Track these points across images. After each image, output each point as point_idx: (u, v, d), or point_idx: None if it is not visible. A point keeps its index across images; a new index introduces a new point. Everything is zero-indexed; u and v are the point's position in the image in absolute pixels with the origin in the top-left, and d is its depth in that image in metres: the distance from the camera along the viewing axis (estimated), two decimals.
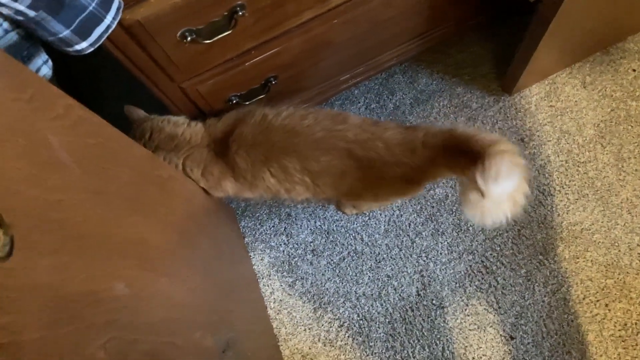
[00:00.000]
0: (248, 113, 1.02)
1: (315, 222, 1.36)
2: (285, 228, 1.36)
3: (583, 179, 1.30)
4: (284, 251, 1.35)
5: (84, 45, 0.57)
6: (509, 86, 1.35)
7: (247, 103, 1.13)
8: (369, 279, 1.31)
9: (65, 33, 0.54)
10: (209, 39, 0.86)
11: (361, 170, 0.93)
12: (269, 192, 1.03)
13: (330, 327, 1.29)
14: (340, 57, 1.17)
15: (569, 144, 1.33)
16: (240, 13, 0.84)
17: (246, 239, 1.37)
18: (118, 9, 0.58)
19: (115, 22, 0.59)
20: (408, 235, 1.32)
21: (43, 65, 0.58)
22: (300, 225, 1.36)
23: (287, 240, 1.36)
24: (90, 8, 0.54)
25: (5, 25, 0.52)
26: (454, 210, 1.31)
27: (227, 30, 0.86)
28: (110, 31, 0.59)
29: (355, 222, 1.34)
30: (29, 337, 0.39)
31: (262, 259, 1.35)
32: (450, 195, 1.32)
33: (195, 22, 0.82)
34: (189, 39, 0.84)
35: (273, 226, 1.37)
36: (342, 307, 1.30)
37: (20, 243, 0.40)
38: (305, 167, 0.95)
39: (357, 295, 1.30)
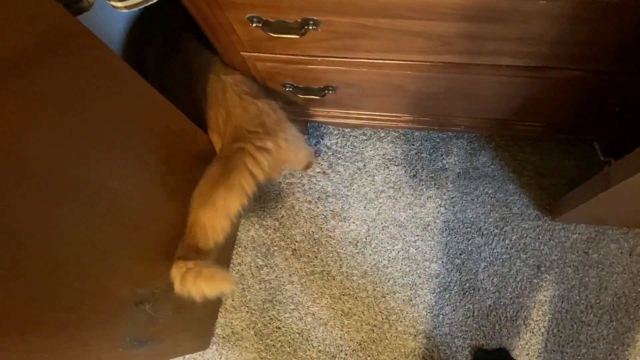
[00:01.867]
0: None
1: (310, 227, 1.36)
2: (282, 216, 1.38)
3: (572, 337, 1.23)
4: (270, 235, 1.37)
5: (119, 4, 0.58)
6: (556, 211, 1.27)
7: (301, 96, 1.13)
8: (326, 303, 1.31)
9: None
10: (275, 33, 0.85)
11: None
12: None
13: (270, 323, 1.32)
14: (406, 101, 1.13)
15: (580, 298, 1.25)
16: (313, 27, 0.83)
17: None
18: None
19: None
20: (385, 280, 1.30)
21: (83, 0, 0.60)
22: (297, 222, 1.37)
23: (278, 228, 1.37)
24: None
25: None
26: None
27: (295, 34, 0.85)
28: (149, 3, 0.60)
29: (344, 247, 1.34)
30: None
31: (248, 230, 1.38)
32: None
33: (267, 14, 0.82)
34: (254, 25, 0.84)
35: (274, 208, 1.39)
36: (289, 313, 1.32)
37: None
38: None
39: (307, 311, 1.31)
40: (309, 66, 0.99)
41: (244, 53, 0.99)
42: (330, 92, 1.09)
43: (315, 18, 0.81)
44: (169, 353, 1.04)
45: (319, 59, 0.96)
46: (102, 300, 0.78)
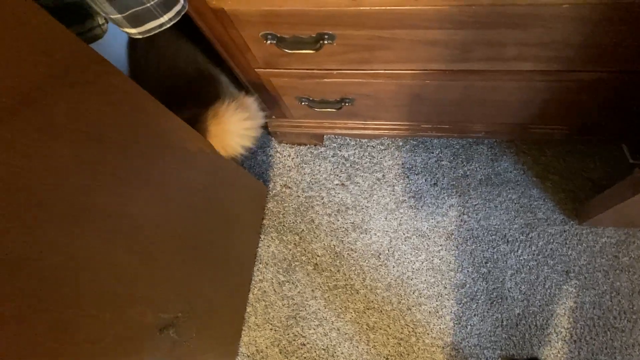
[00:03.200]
0: None
1: (331, 241, 1.34)
2: (303, 230, 1.36)
3: (606, 344, 1.19)
4: (290, 251, 1.35)
5: (133, 31, 0.58)
6: (583, 215, 1.24)
7: (317, 109, 1.12)
8: (350, 318, 1.29)
9: (117, 16, 0.55)
10: (290, 50, 0.84)
11: None
12: None
13: (294, 340, 1.30)
14: (425, 109, 1.11)
15: (613, 304, 1.22)
16: (328, 42, 0.81)
17: (265, 220, 1.38)
18: (178, 12, 0.58)
19: (171, 23, 0.59)
20: (410, 296, 1.28)
21: (97, 28, 0.59)
22: (317, 236, 1.35)
23: (299, 242, 1.36)
24: (148, 5, 0.54)
25: None
26: None
27: (311, 49, 0.84)
28: (163, 28, 0.59)
29: (367, 260, 1.31)
30: None
31: (268, 246, 1.37)
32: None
33: (281, 31, 0.81)
34: (269, 42, 0.82)
35: (294, 222, 1.37)
36: (314, 329, 1.30)
37: None
38: None
39: (332, 326, 1.29)
40: (325, 80, 0.98)
41: (259, 70, 0.97)
42: (347, 104, 1.07)
43: (331, 32, 0.80)
44: None
45: (335, 72, 0.95)
46: (126, 328, 0.76)
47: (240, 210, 1.22)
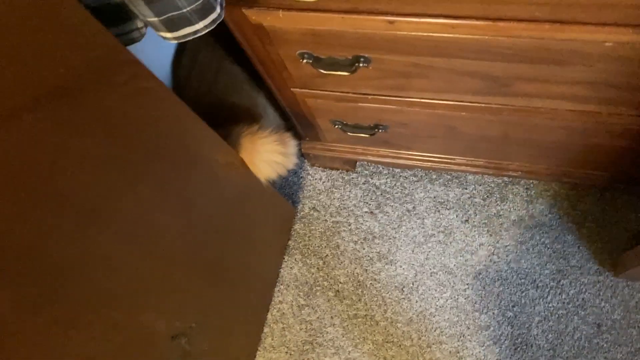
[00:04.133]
0: None
1: (355, 269, 1.32)
2: (327, 255, 1.35)
3: None
4: (313, 275, 1.34)
5: (168, 35, 0.59)
6: (619, 267, 1.18)
7: (351, 133, 1.12)
8: (368, 349, 1.26)
9: (154, 19, 0.56)
10: (325, 70, 0.84)
11: None
12: None
13: None
14: (460, 144, 1.10)
15: None
16: (363, 65, 0.81)
17: (290, 242, 1.38)
18: (214, 20, 0.59)
19: (206, 30, 0.60)
20: (430, 331, 1.24)
21: (135, 31, 0.61)
22: (342, 263, 1.34)
23: (322, 267, 1.34)
24: (184, 11, 0.55)
25: None
26: None
27: (346, 71, 0.84)
28: (197, 35, 0.60)
29: (390, 292, 1.29)
30: None
31: (291, 268, 1.36)
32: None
33: (317, 51, 0.81)
34: (305, 61, 0.83)
35: (319, 247, 1.36)
36: (329, 357, 1.27)
37: None
38: None
39: (348, 356, 1.26)
40: (359, 104, 0.98)
41: (295, 89, 0.98)
42: (380, 130, 1.07)
43: (367, 55, 0.80)
44: None
45: (370, 97, 0.95)
46: (137, 332, 0.77)
47: (265, 229, 1.22)
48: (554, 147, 1.02)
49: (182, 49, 1.16)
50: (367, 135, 1.10)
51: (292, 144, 1.04)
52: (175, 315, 0.86)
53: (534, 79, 0.78)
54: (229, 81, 1.09)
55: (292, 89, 0.98)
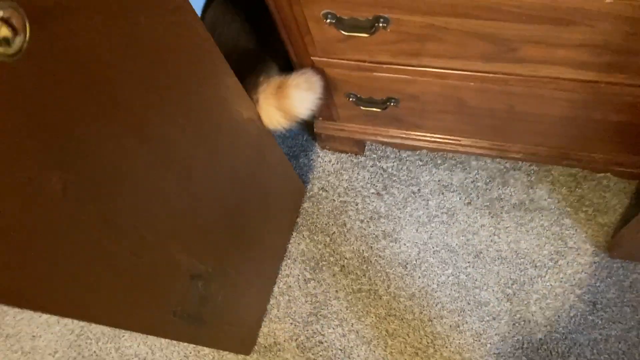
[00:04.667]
0: None
1: (361, 246, 1.37)
2: (334, 232, 1.40)
3: None
4: (320, 250, 1.39)
5: None
6: (613, 248, 1.24)
7: (363, 107, 1.18)
8: (370, 322, 1.30)
9: None
10: (346, 32, 0.91)
11: None
12: None
13: (313, 337, 1.31)
14: (467, 120, 1.16)
15: (639, 339, 1.20)
16: (382, 25, 0.88)
17: (299, 219, 1.43)
18: None
19: None
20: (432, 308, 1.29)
21: None
22: (348, 240, 1.39)
23: (329, 243, 1.39)
24: None
25: None
26: None
27: (365, 32, 0.91)
28: None
29: (393, 268, 1.34)
30: None
31: (299, 244, 1.40)
32: None
33: (341, 10, 0.88)
34: (328, 21, 0.90)
35: (326, 224, 1.41)
36: (333, 329, 1.31)
37: None
38: None
39: (351, 328, 1.30)
40: (375, 73, 1.05)
41: (315, 58, 1.05)
42: (392, 104, 1.13)
43: (386, 16, 0.87)
44: (213, 341, 1.06)
45: (385, 66, 1.02)
46: (162, 257, 0.81)
47: (278, 200, 1.28)
48: (556, 123, 1.08)
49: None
50: (379, 110, 1.17)
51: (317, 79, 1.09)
52: (195, 253, 0.91)
53: (540, 42, 0.85)
54: (249, 49, 1.16)
55: (312, 58, 1.05)
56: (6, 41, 0.43)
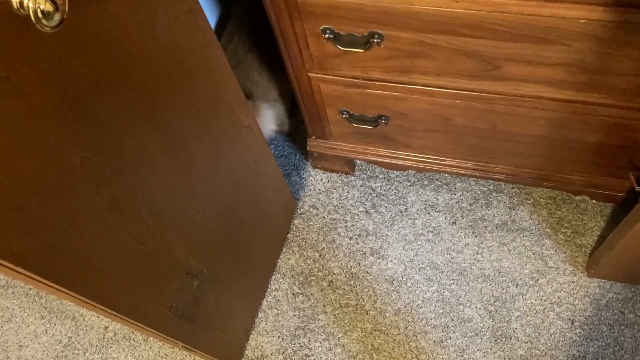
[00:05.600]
0: None
1: (348, 261, 1.41)
2: (323, 248, 1.44)
3: None
4: (309, 266, 1.42)
5: None
6: (590, 267, 1.29)
7: (355, 124, 1.24)
8: (357, 336, 1.33)
9: None
10: (343, 47, 0.98)
11: None
12: None
13: (300, 350, 1.33)
14: (453, 139, 1.23)
15: (616, 357, 1.24)
16: (377, 41, 0.95)
17: (289, 235, 1.47)
18: None
19: None
20: (416, 324, 1.32)
21: None
22: (336, 256, 1.42)
23: (318, 259, 1.43)
24: None
25: None
26: None
27: (360, 48, 0.98)
28: None
29: (380, 284, 1.37)
30: None
31: (288, 259, 1.44)
32: None
33: (339, 26, 0.95)
34: (327, 36, 0.97)
35: (316, 240, 1.45)
36: (320, 342, 1.34)
37: None
38: None
39: (338, 342, 1.33)
40: (367, 90, 1.11)
41: (312, 74, 1.12)
42: (383, 121, 1.20)
43: (381, 32, 0.94)
44: (203, 345, 1.08)
45: (377, 83, 1.08)
46: (163, 249, 0.85)
47: (270, 211, 1.32)
48: (535, 142, 1.15)
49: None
50: (370, 127, 1.23)
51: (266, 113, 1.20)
52: (192, 250, 0.94)
53: (521, 60, 0.92)
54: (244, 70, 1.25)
55: (309, 74, 1.12)
56: (48, 14, 0.49)
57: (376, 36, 0.95)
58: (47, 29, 0.49)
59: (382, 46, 0.97)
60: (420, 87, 1.06)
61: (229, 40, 1.34)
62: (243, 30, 1.32)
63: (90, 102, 0.61)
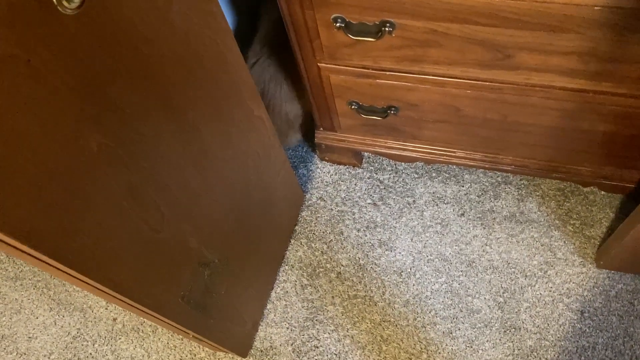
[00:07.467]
0: None
1: (356, 253, 1.41)
2: (331, 240, 1.44)
3: None
4: (317, 257, 1.42)
5: None
6: (600, 258, 1.29)
7: (364, 116, 1.24)
8: (365, 327, 1.33)
9: None
10: (354, 36, 0.98)
11: None
12: None
13: (308, 341, 1.34)
14: (463, 130, 1.22)
15: (625, 348, 1.24)
16: (388, 29, 0.95)
17: (297, 227, 1.47)
18: None
19: None
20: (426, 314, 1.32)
21: None
22: (344, 247, 1.42)
23: (326, 251, 1.43)
24: None
25: None
26: None
27: (372, 37, 0.97)
28: None
29: (388, 275, 1.37)
30: None
31: (296, 251, 1.44)
32: None
33: (350, 15, 0.95)
34: (338, 25, 0.97)
35: (324, 232, 1.45)
36: (328, 334, 1.34)
37: None
38: None
39: (346, 333, 1.33)
40: (378, 80, 1.11)
41: (321, 64, 1.11)
42: (392, 112, 1.20)
43: (392, 20, 0.94)
44: (213, 335, 1.08)
45: (388, 72, 1.08)
46: (176, 238, 0.85)
47: (279, 203, 1.32)
48: (546, 133, 1.15)
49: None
50: (379, 118, 1.23)
51: None
52: (205, 239, 0.94)
53: (533, 49, 0.92)
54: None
55: (318, 64, 1.12)
56: None
57: (388, 25, 0.94)
58: (69, 10, 0.49)
59: (394, 35, 0.97)
60: (431, 76, 1.06)
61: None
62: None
63: (107, 86, 0.61)
